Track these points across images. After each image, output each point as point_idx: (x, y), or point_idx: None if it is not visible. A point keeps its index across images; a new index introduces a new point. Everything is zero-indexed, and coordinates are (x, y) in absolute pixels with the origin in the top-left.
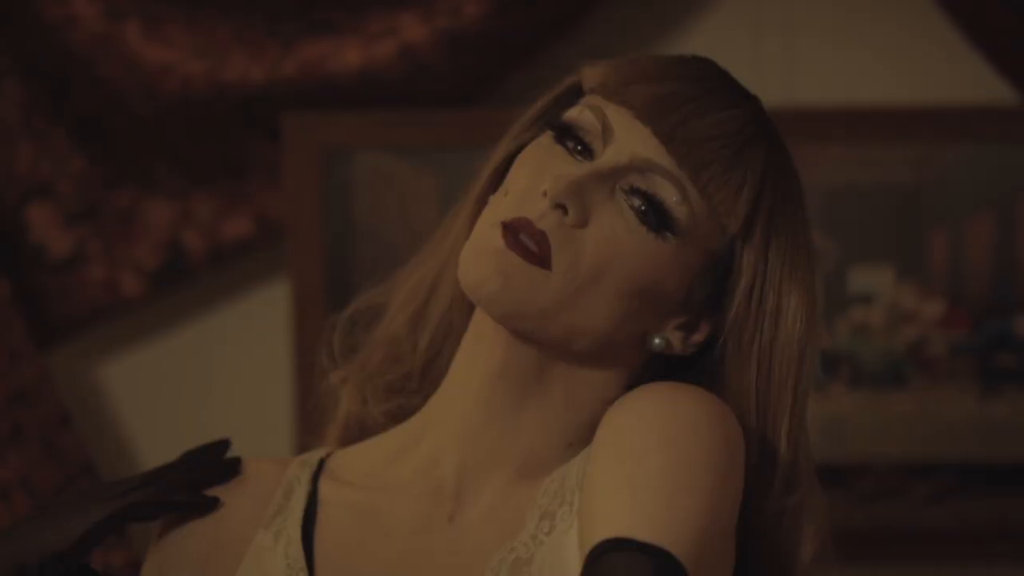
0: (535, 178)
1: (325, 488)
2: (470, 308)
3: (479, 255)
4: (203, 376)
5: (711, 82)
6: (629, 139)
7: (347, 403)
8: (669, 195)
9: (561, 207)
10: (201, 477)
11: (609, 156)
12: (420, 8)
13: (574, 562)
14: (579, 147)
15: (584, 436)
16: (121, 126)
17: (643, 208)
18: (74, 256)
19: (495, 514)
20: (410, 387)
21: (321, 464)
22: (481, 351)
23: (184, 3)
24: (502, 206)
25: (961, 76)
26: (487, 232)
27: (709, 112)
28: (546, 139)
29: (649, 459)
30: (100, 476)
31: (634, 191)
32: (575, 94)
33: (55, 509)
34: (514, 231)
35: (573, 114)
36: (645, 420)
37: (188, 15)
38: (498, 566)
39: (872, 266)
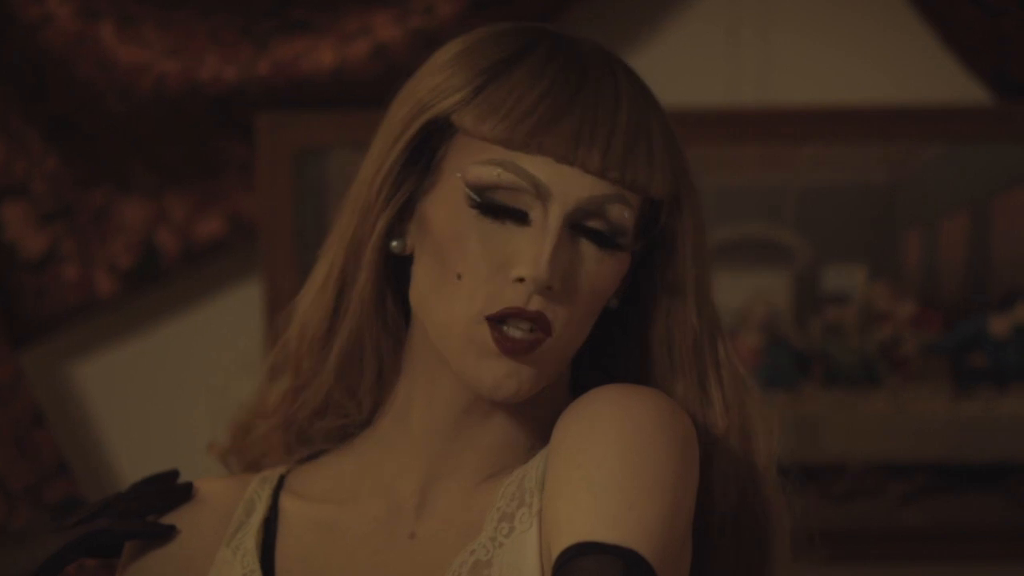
0: (491, 260)
1: (286, 503)
2: (388, 334)
3: (481, 359)
4: (177, 375)
5: (596, 81)
6: (564, 187)
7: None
8: (619, 214)
9: (548, 288)
10: (157, 503)
11: (555, 212)
12: (394, 8)
13: (533, 563)
14: (514, 216)
15: (544, 435)
16: (95, 125)
17: (600, 237)
18: (48, 255)
19: (455, 520)
20: (338, 411)
21: (281, 480)
22: (444, 391)
23: (158, 3)
24: (465, 292)
25: (935, 76)
26: (474, 330)
27: (616, 119)
28: (469, 212)
29: (608, 462)
30: (74, 476)
31: (589, 229)
32: (440, 126)
33: (8, 544)
34: (510, 321)
35: (488, 177)
36: (600, 424)
37: (162, 15)
38: (459, 568)
39: (845, 266)
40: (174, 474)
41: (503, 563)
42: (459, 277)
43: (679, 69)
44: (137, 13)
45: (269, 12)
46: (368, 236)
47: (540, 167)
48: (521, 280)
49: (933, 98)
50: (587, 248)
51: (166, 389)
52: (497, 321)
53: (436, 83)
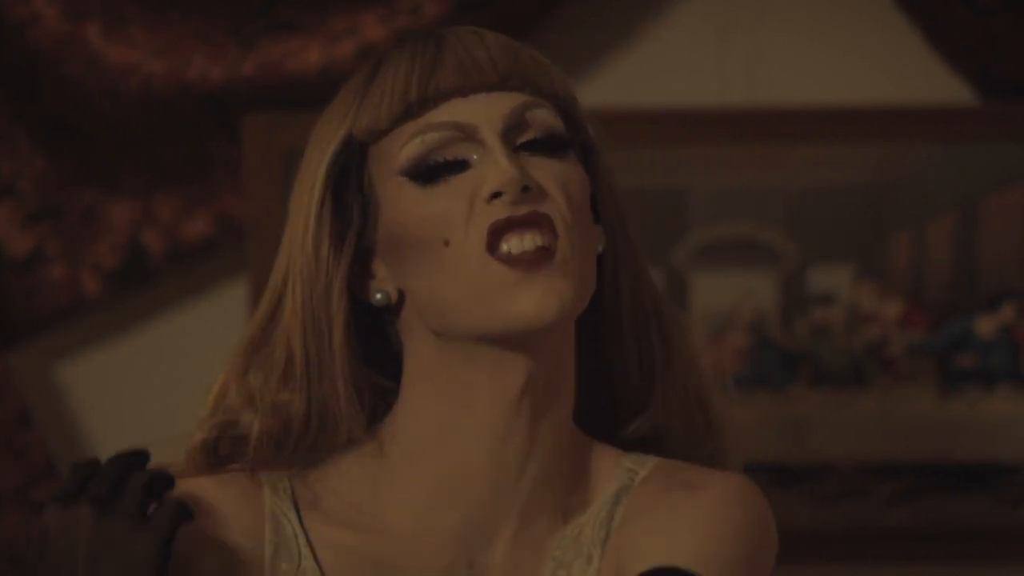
0: (463, 207)
1: (315, 526)
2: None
3: (508, 292)
4: (163, 375)
5: (453, 33)
6: (483, 114)
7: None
8: (544, 117)
9: (524, 189)
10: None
11: (489, 135)
12: (381, 8)
13: None
14: (457, 167)
15: (572, 469)
16: (83, 126)
17: (541, 145)
18: (34, 255)
19: (512, 562)
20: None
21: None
22: (481, 392)
23: (146, 3)
24: (459, 250)
25: (924, 77)
26: (486, 273)
27: (486, 42)
28: (421, 193)
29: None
30: (61, 476)
31: (527, 143)
32: (352, 153)
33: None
34: (509, 238)
35: (416, 150)
36: (742, 539)
37: (150, 15)
38: None
39: (833, 266)
40: (145, 457)
41: None
42: (446, 244)
43: (668, 70)
44: (124, 13)
45: (257, 13)
46: (327, 292)
47: (451, 110)
48: (496, 196)
49: (921, 99)
50: (538, 159)
51: (153, 389)
52: (497, 247)
53: (320, 131)
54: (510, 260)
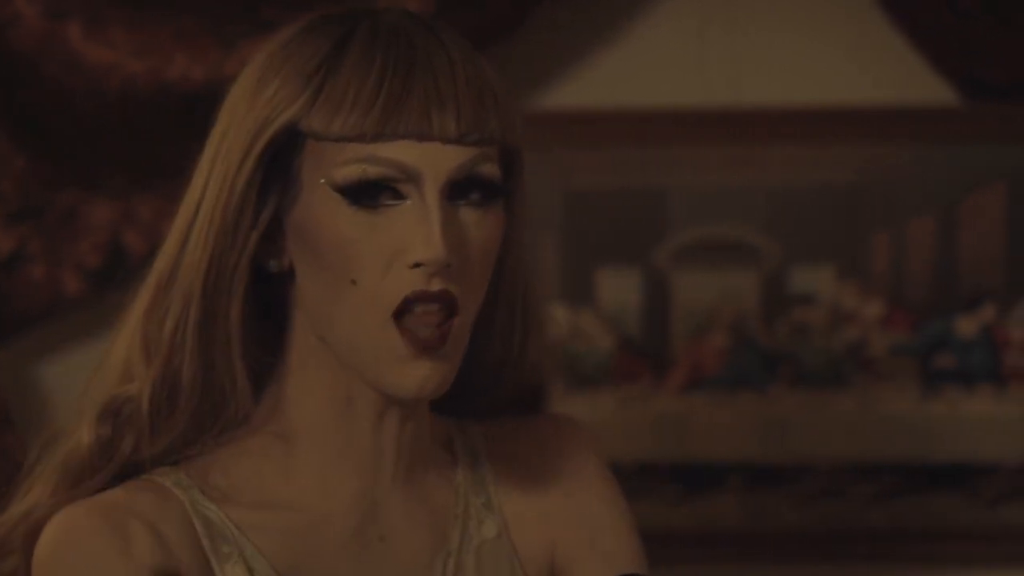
0: (382, 254)
1: (232, 512)
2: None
3: (397, 364)
4: None
5: (425, 50)
6: (431, 163)
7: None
8: (487, 171)
9: (447, 266)
10: None
11: (431, 190)
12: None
13: (508, 563)
14: (390, 195)
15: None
16: (63, 126)
17: (478, 198)
18: (15, 255)
19: (416, 520)
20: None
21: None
22: (361, 400)
23: (126, 3)
24: (365, 297)
25: (904, 77)
26: (384, 336)
27: (456, 81)
28: (345, 211)
29: (620, 503)
30: None
31: (466, 195)
32: (287, 136)
33: None
34: (417, 312)
35: (354, 175)
36: (595, 462)
37: (130, 15)
38: (442, 570)
39: (813, 266)
40: None
41: (481, 566)
42: (354, 283)
43: (648, 69)
44: (105, 13)
45: (238, 12)
46: (234, 264)
47: (401, 151)
48: (418, 265)
49: (903, 99)
50: (468, 213)
51: None
52: (403, 314)
53: (270, 94)
54: (409, 336)
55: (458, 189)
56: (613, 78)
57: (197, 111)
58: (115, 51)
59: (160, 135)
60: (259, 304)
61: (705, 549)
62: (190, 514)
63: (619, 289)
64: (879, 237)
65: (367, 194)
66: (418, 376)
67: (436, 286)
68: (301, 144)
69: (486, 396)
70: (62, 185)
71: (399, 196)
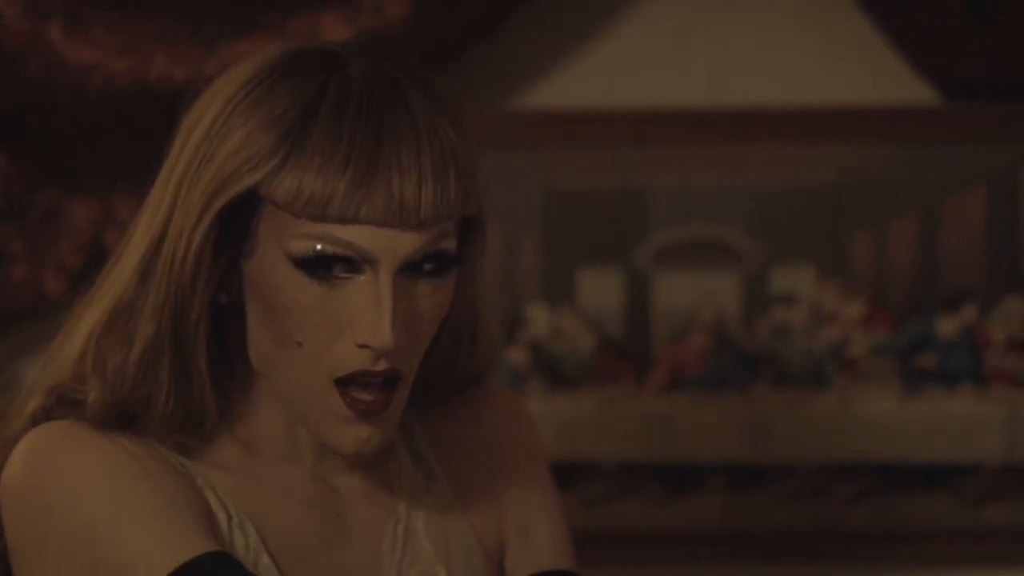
0: (330, 324)
1: (210, 476)
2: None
3: (338, 425)
4: None
5: (393, 124)
6: (388, 248)
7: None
8: (444, 247)
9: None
10: None
11: (385, 273)
12: (342, 8)
13: (461, 528)
14: (343, 268)
15: None
16: (44, 125)
17: (432, 268)
18: None
19: (360, 496)
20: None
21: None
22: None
23: (107, 3)
24: (308, 359)
25: (885, 78)
26: (325, 397)
27: (422, 161)
28: (296, 277)
29: (551, 487)
30: None
31: (420, 271)
32: (248, 195)
33: None
34: (360, 381)
35: (308, 251)
36: (532, 436)
37: (111, 15)
38: (393, 538)
39: (795, 267)
40: None
41: (432, 531)
42: (300, 345)
43: (629, 69)
44: (86, 12)
45: (218, 12)
46: (197, 313)
47: (359, 234)
48: (365, 347)
49: (883, 99)
50: (421, 286)
51: None
52: (345, 382)
53: (233, 148)
54: (351, 400)
55: (412, 269)
56: (594, 78)
57: (178, 111)
58: (96, 51)
59: (142, 135)
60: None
61: (688, 549)
62: (168, 457)
63: (600, 289)
64: (860, 237)
65: (321, 266)
66: (359, 438)
67: (381, 366)
68: (260, 206)
69: (433, 391)
70: (43, 185)
71: (353, 270)
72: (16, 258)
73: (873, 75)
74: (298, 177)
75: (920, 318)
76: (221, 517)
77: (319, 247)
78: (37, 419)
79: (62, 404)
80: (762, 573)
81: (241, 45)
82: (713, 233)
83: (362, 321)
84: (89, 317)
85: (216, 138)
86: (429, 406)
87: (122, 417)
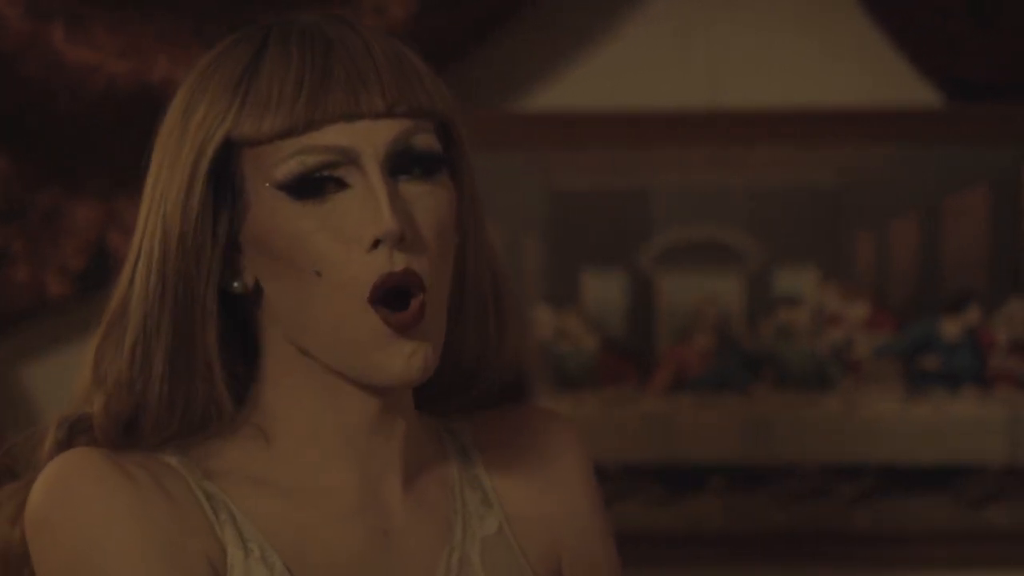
0: (339, 241)
1: (233, 493)
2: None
3: (381, 348)
4: None
5: (340, 39)
6: (367, 140)
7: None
8: (424, 142)
9: (401, 238)
10: None
11: (371, 167)
12: (345, 9)
13: (517, 561)
14: (334, 186)
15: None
16: (46, 126)
17: (419, 171)
18: None
19: (415, 516)
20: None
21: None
22: (350, 403)
23: (109, 4)
24: (332, 286)
25: (886, 79)
26: (362, 322)
27: (375, 58)
28: (292, 208)
29: (603, 510)
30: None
31: (407, 169)
32: (227, 152)
33: None
34: (395, 292)
35: (295, 169)
36: (584, 464)
37: (113, 16)
38: (447, 566)
39: (797, 268)
40: None
41: (487, 562)
42: (319, 274)
43: (629, 72)
44: (87, 14)
45: (218, 12)
46: (203, 291)
47: (334, 135)
48: (376, 244)
49: (885, 100)
50: (413, 188)
51: None
52: (378, 302)
53: (200, 117)
54: (387, 316)
55: (399, 165)
56: (596, 80)
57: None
58: (97, 52)
59: (143, 136)
60: (228, 323)
61: (689, 549)
62: (192, 488)
63: (603, 290)
64: (863, 238)
65: (311, 188)
66: (403, 356)
67: (399, 264)
68: (239, 156)
69: (467, 395)
70: (44, 187)
71: (343, 185)
72: (17, 259)
73: (874, 76)
74: (260, 104)
75: (923, 319)
76: (237, 557)
77: (301, 160)
78: (54, 455)
79: (76, 432)
80: (763, 574)
81: None
82: (715, 234)
83: (362, 219)
84: (95, 335)
85: (183, 120)
86: (484, 428)
87: (131, 427)
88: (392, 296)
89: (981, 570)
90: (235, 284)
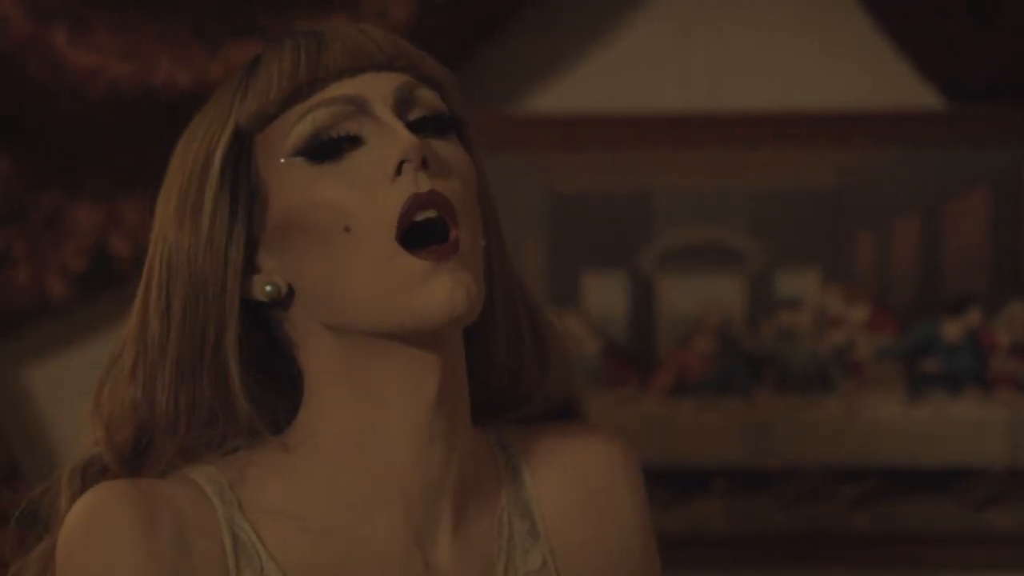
0: (362, 188)
1: (266, 531)
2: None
3: (418, 286)
4: None
5: (333, 27)
6: (373, 89)
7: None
8: (430, 98)
9: (423, 165)
10: None
11: (381, 108)
12: (346, 10)
13: None
14: (350, 143)
15: (468, 430)
16: (47, 128)
17: (429, 123)
18: (0, 258)
19: (461, 549)
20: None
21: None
22: (399, 390)
23: (111, 5)
24: (362, 235)
25: (886, 80)
26: (396, 264)
27: (367, 28)
28: (311, 172)
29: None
30: (28, 481)
31: (416, 121)
32: (238, 145)
33: None
34: (425, 230)
35: (306, 129)
36: (639, 493)
37: (115, 17)
38: None
39: (798, 270)
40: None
41: None
42: (347, 229)
43: (629, 73)
44: (90, 15)
45: (220, 15)
46: (219, 287)
47: (341, 88)
48: (399, 170)
49: (884, 102)
50: (431, 141)
51: None
52: (414, 234)
53: (206, 127)
54: (418, 250)
55: (410, 115)
56: (596, 81)
57: (182, 114)
58: (100, 54)
59: (145, 138)
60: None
61: (691, 552)
62: (221, 529)
63: (605, 292)
64: (864, 240)
65: (327, 149)
66: (444, 289)
67: (425, 186)
68: (250, 148)
69: (508, 414)
70: (46, 188)
71: (358, 142)
72: (18, 261)
73: (874, 77)
74: (262, 85)
75: (924, 321)
76: None
77: (312, 117)
78: (70, 507)
79: (89, 478)
80: None
81: (244, 47)
82: (716, 236)
83: (382, 153)
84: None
85: (187, 144)
86: (539, 445)
87: (140, 449)
88: (423, 236)
89: (983, 572)
90: (268, 288)
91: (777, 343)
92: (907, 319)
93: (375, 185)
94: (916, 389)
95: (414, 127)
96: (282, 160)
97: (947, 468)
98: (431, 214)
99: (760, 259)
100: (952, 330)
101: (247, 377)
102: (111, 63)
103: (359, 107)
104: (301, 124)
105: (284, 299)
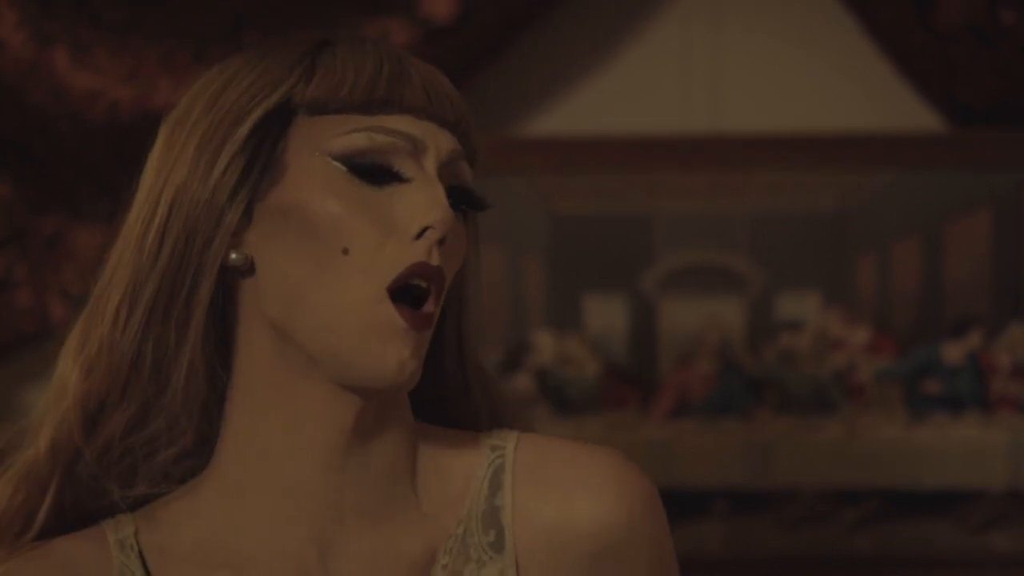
0: (380, 226)
1: (168, 572)
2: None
3: (386, 341)
4: None
5: (402, 56)
6: (432, 139)
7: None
8: (467, 172)
9: (443, 239)
10: None
11: (431, 163)
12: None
13: None
14: (395, 178)
15: (408, 450)
16: (48, 151)
17: (459, 195)
18: (0, 281)
19: (372, 570)
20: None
21: (135, 540)
22: (317, 416)
23: (111, 28)
24: (358, 267)
25: (887, 103)
26: (376, 311)
27: (444, 83)
28: (344, 181)
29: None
30: None
31: (451, 189)
32: (279, 118)
33: None
34: (413, 292)
35: (360, 144)
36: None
37: (115, 40)
38: None
39: (799, 292)
40: None
41: None
42: (346, 252)
43: (631, 96)
44: (91, 39)
45: (219, 37)
46: (205, 255)
47: (405, 124)
48: (424, 232)
49: (884, 125)
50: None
51: None
52: (400, 291)
53: (251, 82)
54: (405, 310)
55: (449, 180)
56: (597, 105)
57: None
58: (100, 77)
59: (145, 161)
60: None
61: (691, 574)
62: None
63: (606, 315)
64: (864, 263)
65: (372, 170)
66: (404, 354)
67: (435, 261)
68: (288, 124)
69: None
70: (47, 211)
71: (402, 180)
72: (20, 284)
73: (875, 100)
74: (334, 75)
75: (925, 344)
76: None
77: (371, 136)
78: (18, 518)
79: (10, 449)
80: None
81: None
82: (717, 259)
83: (416, 205)
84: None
85: (219, 93)
86: (532, 451)
87: (97, 419)
88: (408, 295)
89: None
90: (233, 256)
91: (778, 365)
92: (908, 341)
93: (394, 231)
94: (916, 411)
95: (448, 194)
96: (321, 156)
97: (947, 490)
98: (423, 283)
99: (761, 281)
100: (953, 352)
101: (206, 342)
102: (111, 86)
103: (416, 150)
104: (358, 136)
105: (242, 272)
